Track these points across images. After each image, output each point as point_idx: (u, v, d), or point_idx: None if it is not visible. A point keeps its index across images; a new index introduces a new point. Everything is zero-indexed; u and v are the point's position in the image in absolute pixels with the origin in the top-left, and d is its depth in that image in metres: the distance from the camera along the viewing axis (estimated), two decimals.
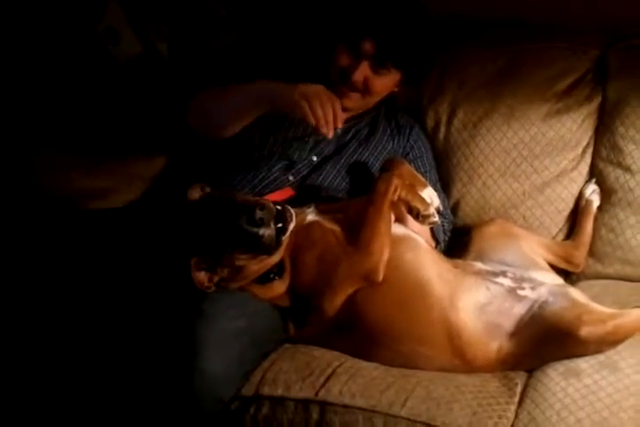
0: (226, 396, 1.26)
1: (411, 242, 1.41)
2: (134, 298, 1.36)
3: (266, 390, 1.28)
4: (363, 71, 1.50)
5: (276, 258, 1.36)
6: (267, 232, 1.29)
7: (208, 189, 1.42)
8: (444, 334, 1.32)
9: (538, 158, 1.59)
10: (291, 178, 1.56)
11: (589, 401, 1.18)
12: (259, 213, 1.28)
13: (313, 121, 1.37)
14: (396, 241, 1.37)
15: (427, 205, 1.38)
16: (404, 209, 1.40)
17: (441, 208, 1.45)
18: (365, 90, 1.54)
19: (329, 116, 1.38)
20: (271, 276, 1.37)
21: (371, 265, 1.33)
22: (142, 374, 1.26)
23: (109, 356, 1.29)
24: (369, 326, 1.34)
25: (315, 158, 1.59)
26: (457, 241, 1.60)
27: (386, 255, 1.34)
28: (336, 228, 1.38)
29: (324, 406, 1.23)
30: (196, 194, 1.41)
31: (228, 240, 1.29)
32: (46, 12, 1.77)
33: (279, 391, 1.27)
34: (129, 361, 1.28)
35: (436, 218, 1.39)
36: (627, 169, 1.51)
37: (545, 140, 1.59)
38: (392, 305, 1.34)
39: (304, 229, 1.38)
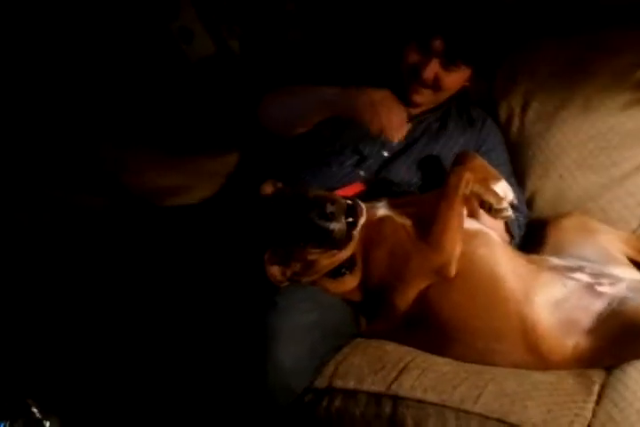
0: (298, 388, 1.28)
1: (484, 237, 1.39)
2: (210, 292, 1.40)
3: (339, 383, 1.29)
4: (433, 68, 1.51)
5: (347, 253, 1.37)
6: (337, 226, 1.30)
7: (280, 185, 1.45)
8: (519, 329, 1.30)
9: (616, 150, 1.54)
10: (362, 173, 1.57)
11: None
12: (329, 208, 1.30)
13: (377, 130, 1.42)
14: (470, 236, 1.36)
15: (499, 198, 1.36)
16: (476, 204, 1.39)
17: (515, 202, 1.42)
18: (436, 86, 1.55)
19: (394, 123, 1.41)
20: (342, 270, 1.38)
21: (442, 260, 1.32)
22: (216, 367, 1.29)
23: (184, 348, 1.33)
24: (442, 322, 1.33)
25: (385, 153, 1.59)
26: (533, 235, 1.56)
27: (458, 250, 1.33)
28: (407, 222, 1.38)
29: (396, 400, 1.23)
30: (268, 189, 1.44)
31: (299, 234, 1.31)
32: (122, 12, 1.84)
33: (351, 384, 1.28)
34: (203, 353, 1.31)
35: (510, 212, 1.36)
36: None
37: (623, 131, 1.53)
38: (465, 300, 1.33)
39: (375, 223, 1.38)
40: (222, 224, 1.58)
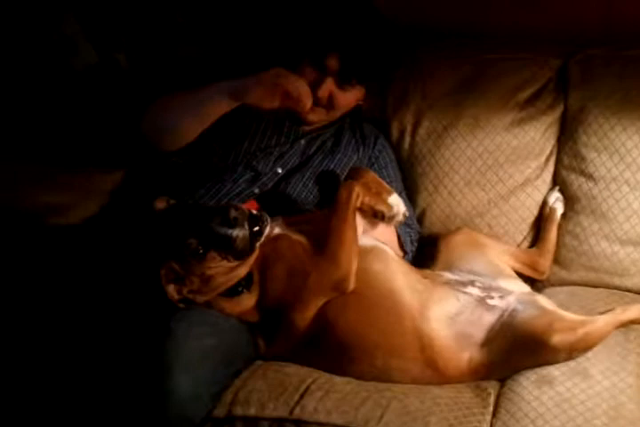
0: (197, 418, 1.23)
1: (379, 253, 1.40)
2: (101, 316, 1.32)
3: (239, 411, 1.25)
4: (328, 87, 1.50)
5: (244, 269, 1.33)
6: (241, 233, 1.26)
7: (173, 202, 1.39)
8: (416, 344, 1.32)
9: (502, 167, 1.60)
10: (256, 191, 1.54)
11: (563, 409, 1.20)
12: (233, 213, 1.26)
13: (285, 104, 1.37)
14: (365, 252, 1.37)
15: (390, 206, 1.39)
16: (370, 215, 1.39)
17: (407, 214, 1.45)
18: (330, 105, 1.53)
19: (300, 90, 1.38)
20: (240, 288, 1.34)
21: (340, 274, 1.32)
22: (112, 397, 1.22)
23: (77, 379, 1.25)
24: (341, 340, 1.32)
25: (280, 170, 1.56)
26: (424, 251, 1.60)
27: (355, 264, 1.33)
28: (303, 239, 1.36)
29: (300, 424, 1.22)
30: (161, 205, 1.38)
31: (200, 242, 1.25)
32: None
33: (252, 411, 1.24)
34: (97, 383, 1.24)
35: (401, 217, 1.40)
36: (589, 177, 1.53)
37: (509, 149, 1.59)
38: (362, 317, 1.33)
39: (271, 241, 1.36)
40: (110, 244, 1.50)
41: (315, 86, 1.49)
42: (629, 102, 1.49)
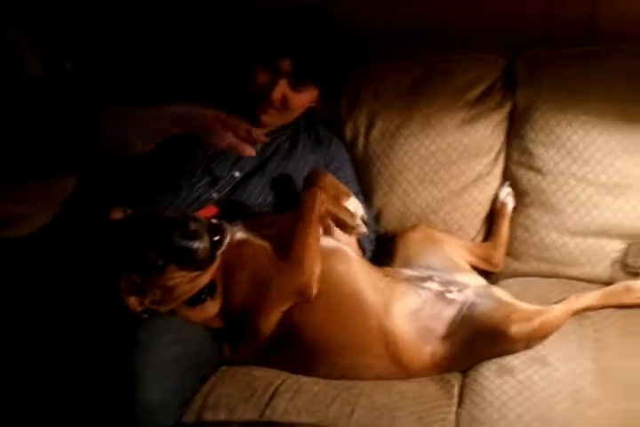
0: (166, 425, 1.22)
1: (341, 254, 1.42)
2: (65, 327, 1.30)
3: (208, 416, 1.25)
4: (281, 89, 1.49)
5: (207, 277, 1.33)
6: (202, 245, 1.26)
7: (130, 212, 1.37)
8: (381, 342, 1.35)
9: (455, 164, 1.64)
10: (214, 195, 1.53)
11: (526, 396, 1.24)
12: (192, 225, 1.25)
13: (224, 144, 1.32)
14: (327, 254, 1.38)
15: (352, 215, 1.40)
16: (331, 221, 1.41)
17: (365, 217, 1.47)
18: (284, 107, 1.53)
19: (245, 137, 1.34)
20: (203, 296, 1.34)
21: (303, 281, 1.32)
22: (80, 408, 1.20)
23: (44, 390, 1.23)
24: (306, 341, 1.34)
25: (237, 174, 1.56)
26: (382, 249, 1.62)
27: (317, 270, 1.34)
28: (266, 244, 1.37)
29: (271, 426, 1.21)
30: (118, 215, 1.36)
31: (160, 255, 1.24)
32: None
33: (222, 416, 1.24)
34: (64, 394, 1.22)
35: (364, 228, 1.41)
36: (538, 171, 1.58)
37: (461, 147, 1.63)
38: (328, 318, 1.35)
39: (234, 247, 1.36)
40: (66, 254, 1.47)
41: (268, 88, 1.49)
42: (573, 98, 1.54)
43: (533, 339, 1.34)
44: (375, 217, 1.70)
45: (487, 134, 1.63)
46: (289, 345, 1.34)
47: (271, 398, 1.26)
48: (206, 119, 1.35)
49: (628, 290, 1.44)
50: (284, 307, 1.34)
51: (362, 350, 1.35)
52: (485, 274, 1.61)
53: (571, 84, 1.55)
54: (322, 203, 1.36)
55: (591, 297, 1.43)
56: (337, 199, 1.42)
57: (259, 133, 1.35)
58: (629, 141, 1.50)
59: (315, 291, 1.33)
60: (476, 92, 1.65)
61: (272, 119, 1.57)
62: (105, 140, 1.48)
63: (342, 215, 1.39)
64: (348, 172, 1.68)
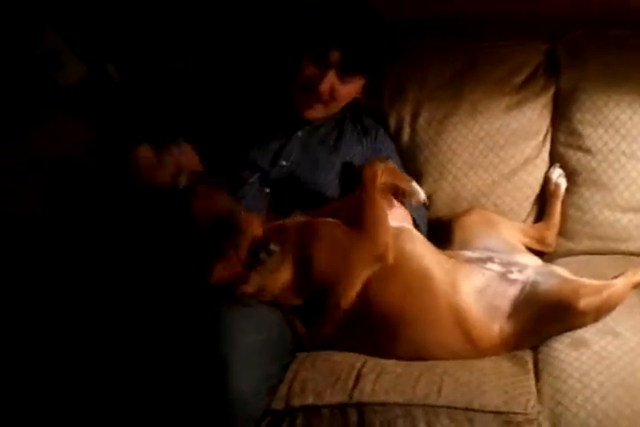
0: (257, 413, 1.25)
1: (407, 233, 1.47)
2: (147, 315, 1.32)
3: (296, 402, 1.28)
4: (329, 80, 1.52)
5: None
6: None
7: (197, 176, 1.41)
8: (451, 318, 1.38)
9: (503, 149, 1.68)
10: (267, 190, 1.56)
11: (604, 366, 1.27)
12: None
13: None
14: (395, 233, 1.42)
15: (409, 181, 1.48)
16: (390, 195, 1.47)
17: (425, 199, 1.52)
18: (331, 98, 1.56)
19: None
20: (260, 255, 1.36)
21: (379, 247, 1.37)
22: (172, 397, 1.22)
23: (136, 379, 1.25)
24: (381, 318, 1.37)
25: (284, 162, 1.59)
26: (435, 234, 1.64)
27: (390, 235, 1.39)
28: (337, 221, 1.41)
29: (361, 407, 1.25)
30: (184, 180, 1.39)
31: None
32: None
33: (310, 400, 1.27)
34: (155, 385, 1.24)
35: (423, 195, 1.49)
36: (587, 151, 1.63)
37: (508, 131, 1.68)
38: (400, 295, 1.38)
39: (307, 225, 1.40)
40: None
41: (316, 80, 1.52)
42: (617, 79, 1.60)
43: (601, 312, 1.37)
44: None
45: (534, 118, 1.68)
46: (364, 324, 1.37)
47: (356, 380, 1.28)
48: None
49: None
50: (363, 276, 1.37)
51: (434, 325, 1.37)
52: (539, 255, 1.64)
53: (614, 66, 1.61)
54: (382, 173, 1.42)
55: None
56: (395, 171, 1.48)
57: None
58: None
59: (391, 257, 1.38)
60: (521, 77, 1.69)
61: (316, 113, 1.60)
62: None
63: (400, 183, 1.46)
64: (395, 161, 1.70)
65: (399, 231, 1.43)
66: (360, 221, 1.38)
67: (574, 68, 1.65)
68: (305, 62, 1.54)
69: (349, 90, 1.58)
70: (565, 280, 1.43)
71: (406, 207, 1.54)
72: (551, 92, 1.69)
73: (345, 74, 1.53)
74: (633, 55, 1.60)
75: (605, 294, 1.37)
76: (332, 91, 1.55)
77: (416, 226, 1.60)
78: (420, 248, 1.44)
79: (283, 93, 1.61)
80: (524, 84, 1.69)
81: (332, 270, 1.36)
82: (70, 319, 1.33)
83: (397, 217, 1.50)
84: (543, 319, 1.39)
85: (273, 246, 1.36)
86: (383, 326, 1.37)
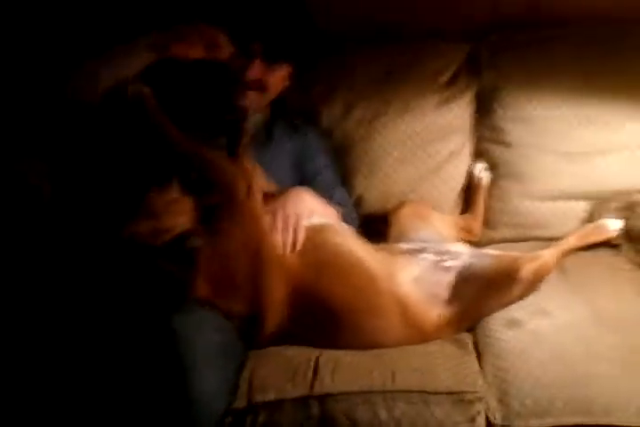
0: (218, 413, 1.27)
1: (332, 228, 1.52)
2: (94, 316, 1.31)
3: (259, 398, 1.30)
4: (257, 68, 1.58)
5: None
6: None
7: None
8: (393, 306, 1.44)
9: (430, 144, 1.77)
10: None
11: (540, 342, 1.37)
12: None
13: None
14: (318, 229, 1.48)
15: None
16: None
17: None
18: (262, 87, 1.62)
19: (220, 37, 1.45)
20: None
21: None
22: (134, 401, 1.22)
23: (92, 386, 1.23)
24: (325, 312, 1.41)
25: None
26: (368, 230, 1.70)
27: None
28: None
29: (323, 398, 1.29)
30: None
31: None
32: None
33: (272, 396, 1.30)
34: (117, 389, 1.23)
35: None
36: (507, 145, 1.74)
37: (436, 128, 1.77)
38: (340, 285, 1.43)
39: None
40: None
41: (245, 71, 1.57)
42: (534, 77, 1.72)
43: (536, 280, 1.49)
44: (357, 200, 1.80)
45: (459, 114, 1.78)
46: (311, 320, 1.41)
47: (314, 372, 1.32)
48: (181, 33, 1.43)
49: (598, 228, 1.66)
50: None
51: (377, 314, 1.43)
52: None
53: (531, 65, 1.73)
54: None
55: (572, 239, 1.63)
56: None
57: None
58: (583, 114, 1.69)
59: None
60: (445, 76, 1.79)
61: (251, 102, 1.61)
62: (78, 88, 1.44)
63: None
64: (326, 157, 1.76)
65: (322, 228, 1.49)
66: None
67: (495, 68, 1.77)
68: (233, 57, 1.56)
69: (277, 77, 1.64)
70: (501, 255, 1.55)
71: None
72: (474, 90, 1.79)
73: (269, 62, 1.60)
74: (547, 57, 1.73)
75: (542, 259, 1.50)
76: (262, 79, 1.60)
77: (345, 222, 1.65)
78: (350, 241, 1.50)
79: (220, 90, 1.63)
80: (449, 83, 1.78)
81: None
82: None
83: (325, 215, 1.55)
84: (483, 297, 1.48)
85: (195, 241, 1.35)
86: (328, 319, 1.41)
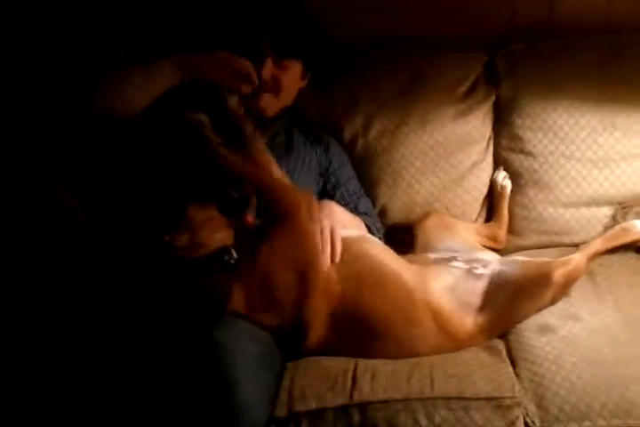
0: (262, 422, 1.28)
1: (369, 240, 1.55)
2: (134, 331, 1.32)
3: (300, 407, 1.31)
4: (269, 68, 1.62)
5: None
6: None
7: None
8: (428, 315, 1.46)
9: (452, 155, 1.80)
10: None
11: (574, 347, 1.39)
12: None
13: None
14: (355, 240, 1.50)
15: None
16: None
17: None
18: (276, 87, 1.65)
19: (247, 65, 1.49)
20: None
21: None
22: (179, 415, 1.23)
23: (142, 396, 1.25)
24: (363, 322, 1.43)
25: None
26: (391, 240, 1.71)
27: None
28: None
29: (364, 406, 1.30)
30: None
31: None
32: None
33: (313, 405, 1.31)
34: (160, 401, 1.25)
35: None
36: (528, 154, 1.77)
37: (456, 139, 1.80)
38: (377, 296, 1.44)
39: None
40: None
41: (258, 72, 1.58)
42: (552, 86, 1.75)
43: (569, 282, 1.50)
44: (381, 211, 1.82)
45: (478, 125, 1.81)
46: (348, 330, 1.42)
47: (353, 381, 1.34)
48: (211, 57, 1.46)
49: (624, 230, 1.67)
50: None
51: (413, 322, 1.44)
52: None
53: (550, 74, 1.76)
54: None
55: (599, 241, 1.65)
56: None
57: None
58: (608, 120, 1.72)
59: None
60: (463, 87, 1.82)
61: (268, 103, 1.66)
62: (103, 106, 1.45)
63: None
64: (349, 170, 1.80)
65: (361, 238, 1.52)
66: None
67: (513, 78, 1.80)
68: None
69: (290, 76, 1.67)
70: (531, 261, 1.57)
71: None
72: (492, 100, 1.82)
73: (280, 60, 1.63)
74: (567, 65, 1.76)
75: (572, 264, 1.52)
76: (275, 79, 1.64)
77: (371, 233, 1.68)
78: (384, 253, 1.52)
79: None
80: (468, 94, 1.82)
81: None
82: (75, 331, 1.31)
83: (354, 226, 1.59)
84: (516, 302, 1.49)
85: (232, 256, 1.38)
86: (366, 330, 1.43)
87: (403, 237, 1.73)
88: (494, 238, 1.78)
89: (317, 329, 1.42)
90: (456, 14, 1.89)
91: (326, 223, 1.46)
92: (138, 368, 1.27)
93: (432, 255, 1.63)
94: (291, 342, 1.43)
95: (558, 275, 1.47)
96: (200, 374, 1.25)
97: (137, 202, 1.35)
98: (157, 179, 1.34)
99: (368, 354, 1.43)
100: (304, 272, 1.41)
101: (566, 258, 1.53)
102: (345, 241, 1.48)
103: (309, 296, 1.41)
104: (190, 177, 1.35)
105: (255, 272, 1.36)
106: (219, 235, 1.36)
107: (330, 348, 1.43)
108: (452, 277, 1.55)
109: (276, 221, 1.39)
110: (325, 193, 1.75)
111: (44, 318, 1.34)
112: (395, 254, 1.55)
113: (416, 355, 1.43)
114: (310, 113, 1.81)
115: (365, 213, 1.73)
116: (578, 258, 1.55)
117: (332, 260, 1.43)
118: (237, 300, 1.38)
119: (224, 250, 1.35)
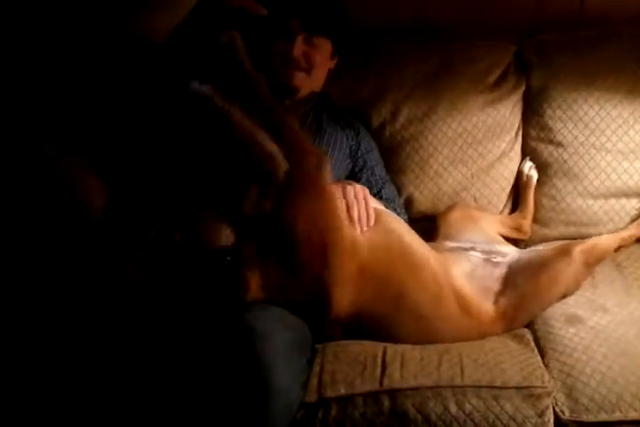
0: (295, 406, 1.29)
1: (388, 214, 1.54)
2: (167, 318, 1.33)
3: (329, 393, 1.31)
4: (300, 45, 1.64)
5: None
6: None
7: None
8: (450, 294, 1.46)
9: (481, 144, 1.79)
10: None
11: (603, 338, 1.38)
12: None
13: None
14: (387, 216, 1.50)
15: None
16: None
17: None
18: (308, 64, 1.66)
19: None
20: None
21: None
22: (215, 397, 1.24)
23: (173, 384, 1.25)
24: (394, 296, 1.41)
25: None
26: (419, 229, 1.69)
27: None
28: None
29: (394, 393, 1.30)
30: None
31: None
32: None
33: (343, 391, 1.31)
34: (196, 384, 1.25)
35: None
36: (558, 144, 1.76)
37: (484, 128, 1.79)
38: (409, 274, 1.44)
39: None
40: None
41: (290, 50, 1.63)
42: (583, 76, 1.74)
43: (590, 260, 1.52)
44: (407, 199, 1.82)
45: (507, 114, 1.80)
46: (378, 304, 1.41)
47: (383, 368, 1.34)
48: None
49: None
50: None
51: (437, 301, 1.44)
52: (515, 243, 1.77)
53: (580, 64, 1.75)
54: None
55: (632, 227, 1.67)
56: None
57: None
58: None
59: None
60: (493, 76, 1.81)
61: (301, 81, 1.67)
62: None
63: None
64: (377, 155, 1.79)
65: (379, 212, 1.50)
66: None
67: (543, 68, 1.79)
68: (277, 41, 1.65)
69: (321, 55, 1.68)
70: (552, 245, 1.58)
71: None
72: (522, 90, 1.81)
73: (310, 37, 1.65)
74: (600, 56, 1.75)
75: (591, 242, 1.54)
76: (307, 57, 1.65)
77: None
78: (409, 232, 1.52)
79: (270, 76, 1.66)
80: (497, 83, 1.81)
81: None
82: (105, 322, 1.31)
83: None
84: (537, 284, 1.50)
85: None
86: (394, 304, 1.41)
87: (426, 226, 1.72)
88: (519, 228, 1.78)
89: (343, 296, 1.39)
90: (485, 3, 1.87)
91: (357, 187, 1.46)
92: (171, 354, 1.28)
93: (450, 243, 1.64)
94: (318, 314, 1.41)
95: (577, 251, 1.49)
96: (234, 359, 1.25)
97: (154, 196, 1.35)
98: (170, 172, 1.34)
99: (392, 332, 1.42)
100: (325, 228, 1.38)
101: (590, 239, 1.55)
102: (376, 211, 1.48)
103: (334, 254, 1.37)
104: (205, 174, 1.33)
105: (275, 239, 1.34)
106: (224, 231, 1.35)
107: (356, 324, 1.42)
108: (469, 264, 1.57)
109: (294, 185, 1.35)
110: (352, 176, 1.75)
111: (55, 312, 1.34)
112: (414, 232, 1.55)
113: (441, 338, 1.43)
114: (338, 101, 1.80)
115: (388, 200, 1.73)
116: (603, 238, 1.56)
117: (363, 224, 1.43)
118: (254, 287, 1.36)
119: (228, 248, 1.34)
